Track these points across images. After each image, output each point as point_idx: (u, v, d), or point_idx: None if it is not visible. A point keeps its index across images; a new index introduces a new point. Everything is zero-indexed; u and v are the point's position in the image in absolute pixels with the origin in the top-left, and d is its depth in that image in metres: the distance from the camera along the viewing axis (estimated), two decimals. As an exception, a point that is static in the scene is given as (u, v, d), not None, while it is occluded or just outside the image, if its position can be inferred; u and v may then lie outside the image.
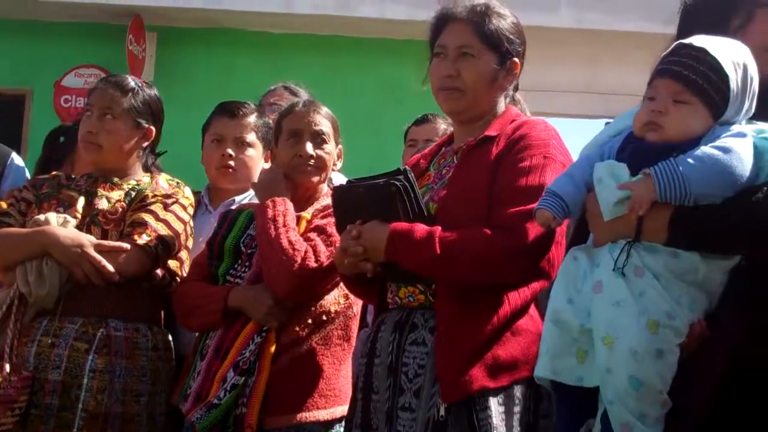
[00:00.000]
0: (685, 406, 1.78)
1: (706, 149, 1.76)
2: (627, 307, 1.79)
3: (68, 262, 2.77)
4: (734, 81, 1.79)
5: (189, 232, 3.03)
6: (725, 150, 1.74)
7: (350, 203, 2.38)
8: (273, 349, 2.63)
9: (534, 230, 2.16)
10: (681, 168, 1.75)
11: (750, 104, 1.83)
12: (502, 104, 2.49)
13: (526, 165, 2.26)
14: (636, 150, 1.86)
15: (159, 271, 2.94)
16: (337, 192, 2.45)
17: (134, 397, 2.79)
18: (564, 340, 1.92)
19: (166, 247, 2.89)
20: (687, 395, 1.78)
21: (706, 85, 1.79)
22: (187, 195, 3.03)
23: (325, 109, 2.87)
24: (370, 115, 6.24)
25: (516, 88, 2.55)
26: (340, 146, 2.91)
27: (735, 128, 1.80)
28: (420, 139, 3.85)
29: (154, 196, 2.93)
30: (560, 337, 1.92)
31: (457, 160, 2.43)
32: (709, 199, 1.76)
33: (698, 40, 1.83)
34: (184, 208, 2.98)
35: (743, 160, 1.74)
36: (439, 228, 2.22)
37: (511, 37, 2.44)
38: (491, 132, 2.38)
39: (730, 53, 1.81)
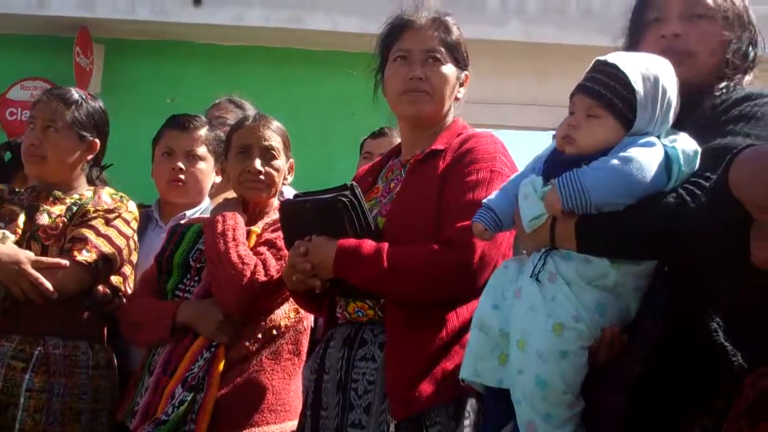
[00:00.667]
0: (603, 409, 1.83)
1: (608, 159, 1.82)
2: (538, 311, 1.85)
3: (5, 280, 2.72)
4: (642, 94, 1.84)
5: (132, 246, 2.99)
6: (626, 159, 1.79)
7: (298, 219, 2.37)
8: (222, 364, 2.60)
9: (481, 245, 2.17)
10: (581, 178, 1.81)
11: (663, 115, 1.88)
12: (451, 115, 2.51)
13: (473, 179, 2.28)
14: (551, 162, 1.93)
15: (100, 288, 2.89)
16: (285, 207, 2.44)
17: (74, 416, 2.74)
18: (487, 344, 1.98)
19: (107, 263, 2.85)
20: (604, 399, 1.83)
21: (615, 99, 1.85)
22: (130, 209, 2.99)
23: (275, 124, 2.86)
24: (321, 127, 6.22)
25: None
26: (291, 160, 2.89)
27: (645, 138, 1.85)
28: (376, 153, 3.84)
29: (96, 210, 2.89)
30: (484, 341, 1.98)
31: (404, 174, 2.44)
32: (612, 206, 1.81)
33: (612, 56, 1.90)
34: (127, 222, 2.95)
35: (644, 168, 1.78)
36: (387, 244, 2.23)
37: (464, 51, 2.48)
38: (438, 145, 2.40)
39: (641, 67, 1.87)
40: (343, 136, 5.65)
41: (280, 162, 2.83)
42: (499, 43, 6.11)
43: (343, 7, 6.14)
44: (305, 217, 2.34)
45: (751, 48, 2.08)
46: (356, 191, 2.28)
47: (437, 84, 2.41)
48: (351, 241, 2.24)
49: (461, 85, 2.50)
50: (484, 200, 2.07)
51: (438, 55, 2.42)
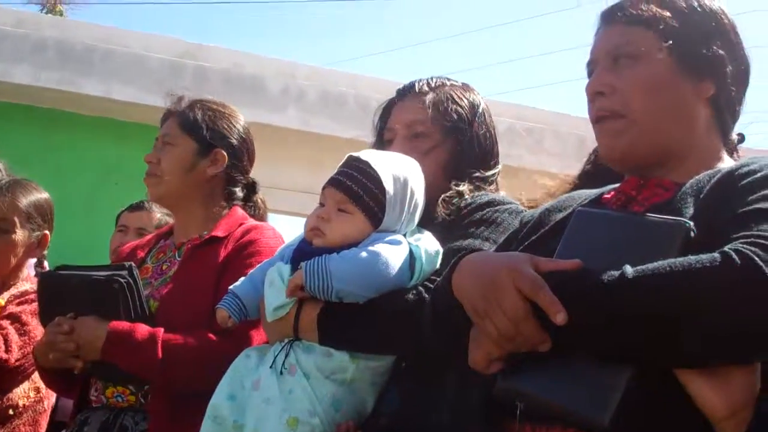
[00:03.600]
0: None
1: (356, 251, 1.87)
2: (275, 404, 1.84)
3: None
4: (392, 193, 1.91)
5: None
6: (373, 254, 1.85)
7: (60, 293, 2.25)
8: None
9: (258, 336, 2.14)
10: (328, 263, 1.84)
11: (410, 214, 1.96)
12: (224, 203, 2.50)
13: None
14: (301, 252, 1.95)
15: None
16: (45, 280, 2.30)
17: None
18: None
19: None
20: None
21: (365, 196, 1.90)
22: None
23: (23, 195, 2.72)
24: (85, 196, 5.96)
25: (252, 190, 2.58)
26: (45, 232, 2.74)
27: (392, 236, 1.91)
28: (132, 226, 3.74)
29: None
30: None
31: (180, 257, 2.39)
32: (354, 297, 1.85)
33: (365, 153, 1.96)
34: None
35: (389, 264, 1.85)
36: (162, 330, 2.17)
37: (219, 129, 2.49)
38: (218, 232, 2.37)
39: (392, 167, 1.94)
40: (107, 207, 5.44)
41: (18, 236, 2.69)
42: (277, 129, 6.19)
43: (120, 76, 5.98)
44: (70, 293, 2.22)
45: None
46: (134, 272, 2.21)
47: (167, 167, 2.41)
48: (124, 324, 2.16)
49: (211, 163, 2.47)
50: (231, 287, 2.05)
51: (168, 139, 2.43)
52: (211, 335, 2.17)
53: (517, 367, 1.35)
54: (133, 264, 2.26)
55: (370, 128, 2.23)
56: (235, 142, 2.49)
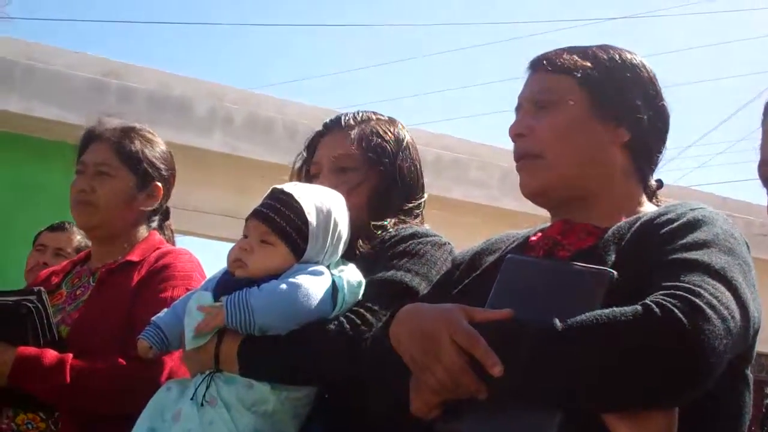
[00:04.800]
0: None
1: (276, 283, 1.87)
2: None
3: None
4: (314, 225, 1.92)
5: None
6: (294, 285, 1.85)
7: None
8: None
9: (170, 362, 2.13)
10: (249, 298, 1.84)
11: (334, 246, 1.96)
12: (143, 228, 2.46)
13: (167, 296, 2.23)
14: (223, 283, 1.95)
15: None
16: None
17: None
18: None
19: None
20: None
21: (288, 228, 1.91)
22: None
23: None
24: (2, 213, 5.81)
25: (166, 216, 2.55)
26: None
27: (314, 267, 1.92)
28: (50, 246, 3.68)
29: None
30: None
31: (94, 282, 2.36)
32: (276, 329, 1.85)
33: (289, 186, 1.97)
34: None
35: (311, 295, 1.85)
36: (71, 355, 2.13)
37: (155, 162, 2.45)
38: (133, 257, 2.35)
39: (316, 199, 1.95)
40: (25, 225, 5.30)
41: None
42: (202, 151, 6.14)
43: (42, 94, 5.86)
44: None
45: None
46: (43, 297, 2.18)
47: (105, 199, 2.38)
48: (31, 350, 2.12)
49: (148, 197, 2.44)
50: (153, 318, 2.02)
51: (105, 168, 2.38)
52: (121, 359, 2.14)
53: (455, 410, 1.42)
54: (42, 289, 2.23)
55: (296, 154, 2.23)
56: (165, 173, 2.48)
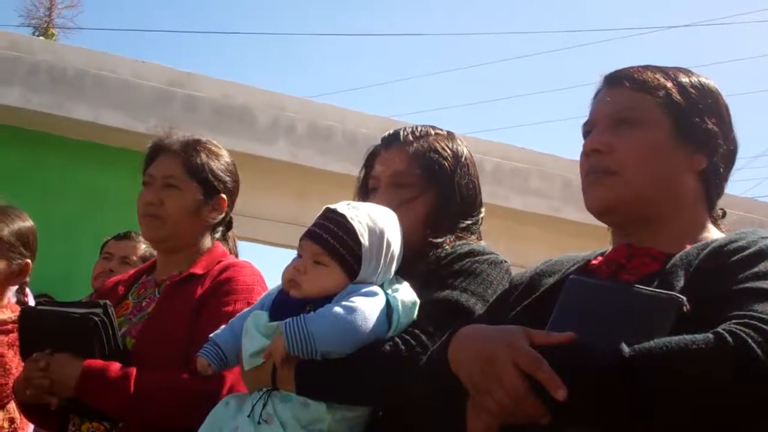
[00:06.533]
0: None
1: (333, 308, 1.86)
2: None
3: None
4: (367, 246, 1.92)
5: None
6: (350, 309, 1.85)
7: (39, 329, 2.25)
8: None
9: (231, 377, 2.14)
10: (308, 325, 1.83)
11: (387, 266, 1.96)
12: (208, 240, 2.48)
13: (229, 310, 2.24)
14: (279, 303, 1.96)
15: None
16: (26, 314, 2.32)
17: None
18: None
19: None
20: None
21: (342, 249, 1.91)
22: None
23: (5, 224, 2.69)
24: (68, 220, 5.93)
25: (229, 226, 2.57)
26: (26, 260, 2.71)
27: (368, 287, 1.92)
28: (117, 255, 3.75)
29: None
30: None
31: (159, 294, 2.39)
32: (336, 354, 1.85)
33: (342, 206, 1.96)
34: None
35: (367, 318, 1.85)
36: (135, 369, 2.17)
37: (221, 174, 2.48)
38: (197, 270, 2.37)
39: (369, 219, 1.95)
40: (91, 231, 5.41)
41: None
42: (265, 159, 6.20)
43: (109, 101, 5.98)
44: (48, 329, 2.23)
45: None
46: (109, 311, 2.22)
47: (173, 212, 2.40)
48: (97, 363, 2.16)
49: (214, 209, 2.47)
50: (211, 335, 2.04)
51: (173, 181, 2.41)
52: (185, 374, 2.16)
53: None
54: (109, 302, 2.26)
55: (355, 162, 2.23)
56: (230, 185, 2.50)
